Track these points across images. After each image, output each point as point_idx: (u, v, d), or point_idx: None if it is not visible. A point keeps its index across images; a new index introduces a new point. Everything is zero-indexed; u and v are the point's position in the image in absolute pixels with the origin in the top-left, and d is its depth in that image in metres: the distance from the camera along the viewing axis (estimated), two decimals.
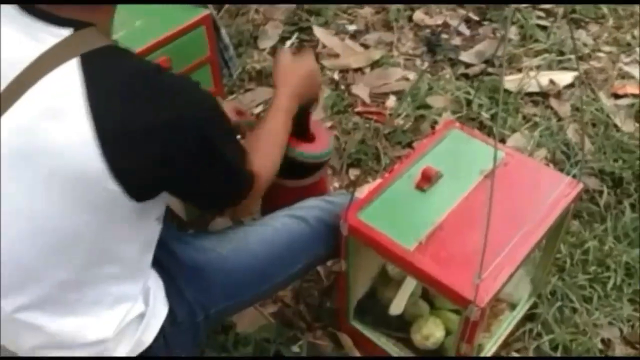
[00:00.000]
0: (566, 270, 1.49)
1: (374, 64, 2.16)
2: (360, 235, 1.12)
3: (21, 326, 0.95)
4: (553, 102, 1.98)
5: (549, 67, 2.09)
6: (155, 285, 1.07)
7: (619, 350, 1.38)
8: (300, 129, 1.33)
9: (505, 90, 1.98)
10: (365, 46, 2.25)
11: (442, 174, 1.19)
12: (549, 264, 1.34)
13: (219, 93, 1.73)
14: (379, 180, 1.48)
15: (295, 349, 1.40)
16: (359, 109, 2.00)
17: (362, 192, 1.37)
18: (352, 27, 2.32)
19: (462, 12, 2.33)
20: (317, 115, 1.93)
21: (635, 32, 2.23)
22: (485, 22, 2.30)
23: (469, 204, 1.15)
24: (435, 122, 1.91)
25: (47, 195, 0.84)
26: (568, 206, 1.15)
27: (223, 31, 1.68)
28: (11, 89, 0.82)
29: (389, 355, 1.30)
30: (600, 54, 2.17)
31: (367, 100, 2.04)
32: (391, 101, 2.04)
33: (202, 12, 1.53)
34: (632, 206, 1.64)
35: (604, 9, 2.32)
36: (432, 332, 1.24)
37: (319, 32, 2.28)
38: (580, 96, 1.97)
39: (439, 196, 1.17)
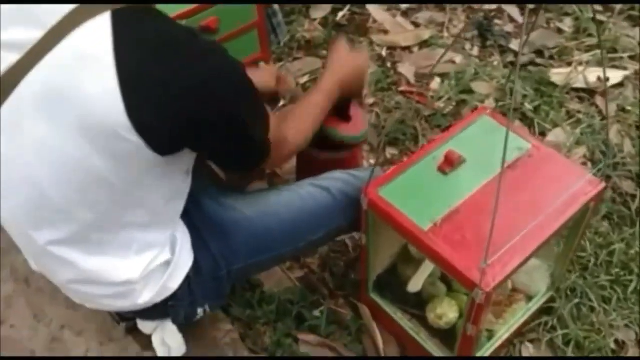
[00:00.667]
0: (589, 269, 1.50)
1: (423, 44, 2.17)
2: (378, 210, 1.16)
3: (55, 259, 1.03)
4: (599, 100, 1.96)
5: (599, 64, 2.07)
6: (183, 236, 1.14)
7: (632, 352, 1.40)
8: (340, 113, 1.39)
9: (552, 84, 1.98)
10: (416, 25, 2.25)
11: (465, 159, 1.21)
12: (568, 259, 1.36)
13: (265, 58, 1.75)
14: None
15: (316, 313, 1.46)
16: (403, 88, 2.02)
17: None
18: (404, 5, 2.32)
19: None
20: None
21: None
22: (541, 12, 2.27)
23: (489, 191, 1.16)
24: (477, 109, 1.91)
25: (74, 138, 0.88)
26: (587, 203, 1.16)
27: None
28: (50, 36, 0.85)
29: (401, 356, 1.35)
30: None
31: (412, 80, 2.05)
32: (436, 83, 2.04)
33: None
34: None
35: None
36: (445, 312, 1.29)
37: (371, 6, 2.29)
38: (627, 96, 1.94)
39: (460, 181, 1.19)
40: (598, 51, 2.10)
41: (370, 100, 1.98)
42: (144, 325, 1.26)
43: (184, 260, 1.15)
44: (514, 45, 2.15)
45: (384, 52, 2.14)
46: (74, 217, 0.97)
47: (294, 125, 1.20)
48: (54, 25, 0.85)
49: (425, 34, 2.19)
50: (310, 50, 2.14)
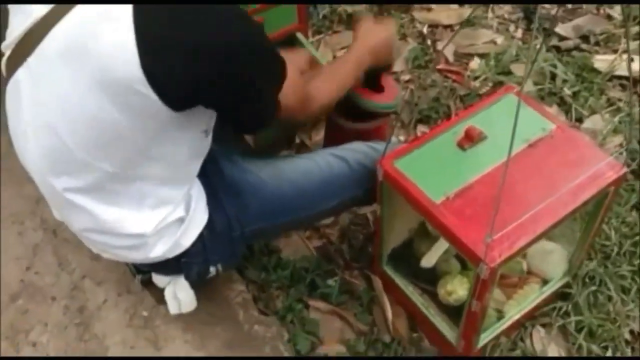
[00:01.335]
0: (611, 258, 1.47)
1: (466, 23, 2.13)
2: (393, 181, 1.16)
3: (72, 207, 1.08)
4: None
5: None
6: (198, 194, 1.17)
7: None
8: (372, 85, 1.41)
9: (594, 70, 1.92)
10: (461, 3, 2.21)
11: (486, 136, 1.20)
12: (586, 245, 1.33)
13: (303, 30, 1.75)
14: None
15: (329, 282, 1.48)
16: (441, 66, 2.00)
17: None
18: None
19: None
20: (397, 68, 1.96)
21: None
22: None
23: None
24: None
25: (93, 92, 0.91)
26: (606, 187, 1.13)
27: None
28: None
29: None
30: None
31: (451, 58, 2.03)
32: (475, 63, 2.01)
33: None
34: None
35: None
36: (455, 289, 1.28)
37: None
38: None
39: (478, 157, 1.18)
40: None
41: (406, 77, 1.97)
42: (159, 279, 1.30)
43: (198, 218, 1.18)
44: (560, 28, 2.09)
45: (425, 30, 2.12)
46: (92, 168, 1.01)
47: (320, 85, 1.24)
48: None
49: (468, 13, 2.15)
50: (350, 24, 2.13)
